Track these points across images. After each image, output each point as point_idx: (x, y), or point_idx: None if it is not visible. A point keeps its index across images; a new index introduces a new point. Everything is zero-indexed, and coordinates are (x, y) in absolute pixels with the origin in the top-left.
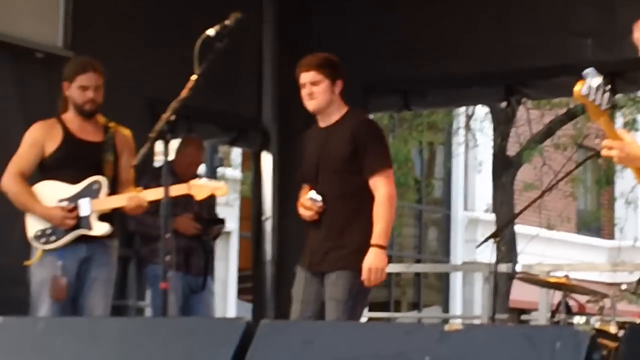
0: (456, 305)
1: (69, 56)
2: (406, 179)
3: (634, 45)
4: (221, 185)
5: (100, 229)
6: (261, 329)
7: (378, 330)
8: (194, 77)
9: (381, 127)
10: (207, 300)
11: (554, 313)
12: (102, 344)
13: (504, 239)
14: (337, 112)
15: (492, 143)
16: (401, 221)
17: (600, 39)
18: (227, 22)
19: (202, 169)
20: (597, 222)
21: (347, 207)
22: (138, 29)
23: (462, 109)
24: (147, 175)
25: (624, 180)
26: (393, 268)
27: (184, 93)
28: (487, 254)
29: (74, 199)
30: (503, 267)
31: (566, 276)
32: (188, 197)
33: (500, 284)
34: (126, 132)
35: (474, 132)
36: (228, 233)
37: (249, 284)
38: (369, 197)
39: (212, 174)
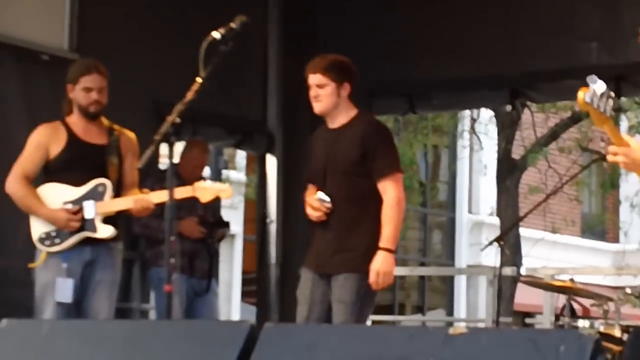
0: (460, 309)
1: (74, 58)
2: (411, 182)
3: None
4: (226, 188)
5: (105, 231)
6: (265, 332)
7: (382, 334)
8: (199, 80)
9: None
10: (211, 303)
11: (558, 316)
12: (106, 346)
13: (509, 242)
14: (345, 115)
15: (496, 146)
16: (406, 224)
17: (605, 43)
18: (232, 24)
19: (206, 171)
20: (601, 226)
21: (355, 209)
22: (143, 32)
23: (467, 112)
24: (151, 177)
25: (628, 184)
26: (397, 271)
27: (189, 96)
28: (492, 257)
29: (79, 201)
30: (507, 271)
31: (571, 279)
32: (193, 200)
33: (504, 287)
34: (130, 134)
35: (478, 136)
36: (232, 236)
37: (253, 286)
38: (377, 200)
39: (216, 177)
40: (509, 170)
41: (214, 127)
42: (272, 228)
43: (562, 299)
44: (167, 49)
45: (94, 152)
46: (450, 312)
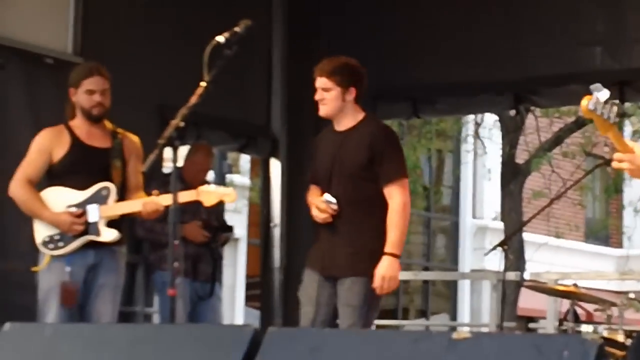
0: (464, 313)
1: (78, 62)
2: (415, 187)
3: None
4: (230, 192)
5: (109, 235)
6: (269, 336)
7: (386, 338)
8: (203, 84)
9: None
10: (214, 307)
11: (561, 321)
12: (109, 350)
13: (512, 247)
14: (351, 118)
15: (500, 151)
16: (409, 228)
17: (609, 48)
18: (236, 29)
19: (210, 175)
20: (605, 231)
21: (361, 213)
22: (147, 35)
23: (471, 117)
24: (155, 181)
25: (632, 189)
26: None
27: (193, 100)
28: (496, 261)
29: (82, 205)
30: (511, 275)
31: (574, 284)
32: (196, 204)
33: (508, 292)
34: (134, 138)
35: (482, 140)
36: (236, 240)
37: (257, 290)
38: (381, 204)
39: (220, 181)
40: (512, 175)
41: (218, 131)
42: (276, 232)
43: (565, 304)
44: (171, 52)
45: (97, 156)
46: (453, 316)
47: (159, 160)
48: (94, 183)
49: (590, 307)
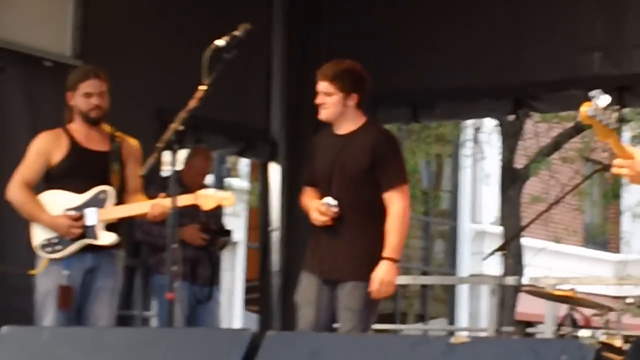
0: (462, 318)
1: (77, 65)
2: (414, 191)
3: None
4: (228, 196)
5: (107, 238)
6: (267, 340)
7: (384, 342)
8: (202, 88)
9: None
10: (213, 310)
11: (559, 326)
12: (107, 354)
13: (511, 252)
14: (352, 123)
15: (499, 156)
16: (408, 233)
17: (608, 53)
18: (236, 32)
19: (209, 179)
20: (603, 236)
21: (362, 217)
22: (147, 39)
23: (470, 122)
24: (154, 185)
25: (630, 194)
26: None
27: (193, 103)
28: (494, 266)
29: (81, 208)
30: (510, 280)
31: (572, 289)
32: (195, 208)
33: (506, 297)
34: (133, 141)
35: (481, 145)
36: (235, 243)
37: (256, 294)
38: (381, 208)
39: (219, 185)
40: (511, 180)
41: (217, 135)
42: (275, 236)
43: (563, 309)
44: (170, 56)
45: (95, 159)
46: (452, 321)
47: (158, 163)
48: (92, 186)
49: (588, 312)
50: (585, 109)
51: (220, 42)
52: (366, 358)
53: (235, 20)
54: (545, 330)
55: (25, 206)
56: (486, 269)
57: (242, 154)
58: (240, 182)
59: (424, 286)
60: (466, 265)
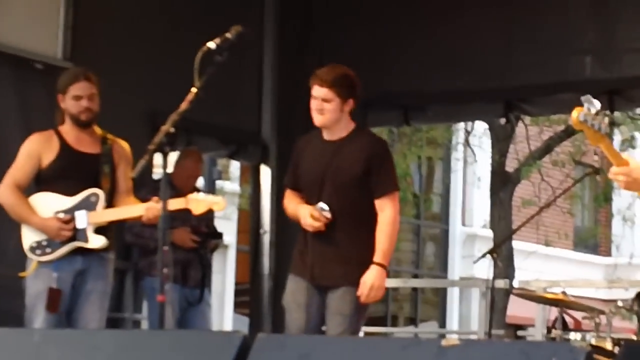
0: (453, 321)
1: (68, 67)
2: (405, 194)
3: None
4: (219, 200)
5: (97, 242)
6: (258, 343)
7: (375, 345)
8: (194, 90)
9: None
10: (204, 313)
11: (550, 329)
12: (98, 356)
13: (502, 255)
14: (344, 129)
15: (490, 159)
16: (399, 236)
17: (599, 57)
18: (227, 35)
19: (200, 182)
20: (594, 239)
21: (352, 222)
22: (138, 41)
23: (461, 125)
24: (145, 187)
25: (621, 198)
26: (390, 283)
27: (184, 106)
28: (485, 269)
29: (71, 211)
30: (500, 283)
31: (563, 292)
32: (186, 210)
33: (497, 300)
34: (124, 144)
35: (472, 148)
36: (226, 246)
37: (246, 297)
38: (371, 214)
39: (210, 187)
40: (502, 183)
41: (208, 138)
42: (266, 239)
43: (554, 312)
44: (161, 58)
45: (86, 162)
46: (442, 324)
47: (149, 166)
48: (82, 189)
49: (578, 315)
50: (576, 115)
51: (211, 45)
52: None
53: (227, 22)
54: (536, 333)
55: (16, 208)
56: (477, 272)
57: (233, 156)
58: (232, 184)
59: (414, 289)
60: (457, 268)
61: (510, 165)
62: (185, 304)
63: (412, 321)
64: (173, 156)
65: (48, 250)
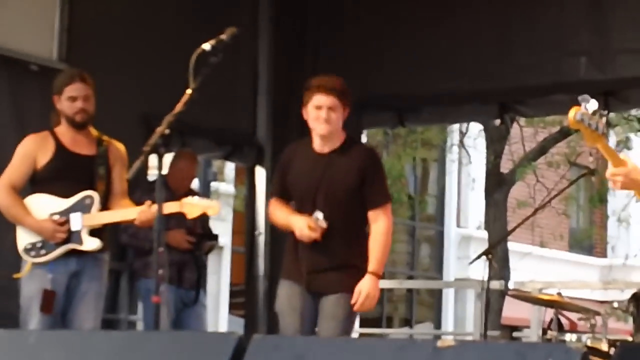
0: (448, 322)
1: (63, 69)
2: (399, 195)
3: None
4: (213, 204)
5: (91, 244)
6: (253, 344)
7: (370, 346)
8: (188, 92)
9: (375, 144)
10: (199, 314)
11: (545, 330)
12: (93, 358)
13: (497, 256)
14: (337, 138)
15: (485, 160)
16: (394, 237)
17: (594, 58)
18: (222, 36)
19: (195, 183)
20: (589, 240)
21: (346, 232)
22: (133, 43)
23: (456, 126)
24: (140, 189)
25: (616, 199)
26: (385, 284)
27: (179, 107)
28: (480, 270)
29: (66, 213)
30: (495, 284)
31: (558, 293)
32: (181, 212)
33: (492, 301)
34: (119, 145)
35: (467, 150)
36: (221, 247)
37: (241, 298)
38: (363, 224)
39: (205, 189)
40: (497, 185)
41: (203, 139)
42: (261, 240)
43: (549, 313)
44: (156, 60)
45: (81, 163)
46: (438, 325)
47: (144, 167)
48: (78, 190)
49: (574, 316)
50: (572, 114)
51: (206, 46)
52: None
53: (221, 24)
54: (531, 335)
55: (11, 210)
56: (472, 273)
57: (228, 158)
58: (227, 186)
59: (409, 290)
60: (452, 269)
61: (505, 167)
62: (180, 305)
63: (407, 322)
64: (168, 158)
65: (42, 251)
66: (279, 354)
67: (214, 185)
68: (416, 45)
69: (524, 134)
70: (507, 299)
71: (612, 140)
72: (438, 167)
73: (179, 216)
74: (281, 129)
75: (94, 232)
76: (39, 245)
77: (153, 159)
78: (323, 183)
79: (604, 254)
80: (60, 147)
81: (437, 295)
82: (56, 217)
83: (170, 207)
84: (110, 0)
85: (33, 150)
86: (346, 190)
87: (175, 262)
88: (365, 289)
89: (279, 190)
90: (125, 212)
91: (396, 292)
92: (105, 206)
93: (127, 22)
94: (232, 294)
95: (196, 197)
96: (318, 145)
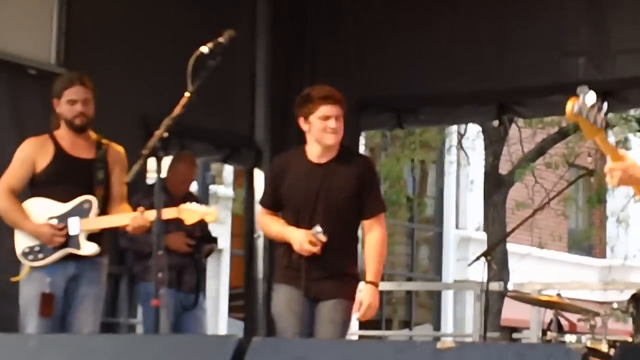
0: (447, 324)
1: (61, 73)
2: (398, 197)
3: None
4: (211, 211)
5: (89, 249)
6: (253, 346)
7: (370, 348)
8: (187, 94)
9: (373, 146)
10: (198, 317)
11: (545, 331)
12: None
13: (496, 258)
14: (335, 148)
15: (484, 162)
16: (393, 239)
17: (592, 58)
18: (220, 39)
19: (194, 186)
20: (588, 241)
21: (344, 241)
22: (131, 46)
23: (454, 128)
24: (139, 192)
25: (615, 199)
26: (384, 286)
27: (177, 110)
28: (479, 272)
29: (64, 217)
30: (495, 286)
31: (558, 294)
32: None
33: (491, 303)
34: (119, 148)
35: (466, 151)
36: (220, 251)
37: (241, 301)
38: (357, 233)
39: (204, 192)
40: (496, 186)
41: (201, 142)
42: (260, 243)
43: (549, 314)
44: (155, 63)
45: (80, 167)
46: (437, 327)
47: (143, 170)
48: (76, 194)
49: (573, 317)
50: (570, 106)
51: (204, 49)
52: None
53: (219, 27)
54: (531, 336)
55: (9, 214)
56: (471, 274)
57: (226, 160)
58: (225, 189)
59: (409, 292)
60: (451, 271)
61: (504, 168)
62: (180, 309)
63: (407, 324)
64: (166, 161)
65: (40, 255)
66: (279, 356)
67: (212, 188)
68: (415, 46)
69: (523, 135)
70: (507, 301)
71: (611, 141)
72: (436, 168)
73: (178, 219)
74: (280, 131)
75: (92, 237)
76: (36, 249)
77: (152, 162)
78: (322, 192)
79: (603, 255)
80: (59, 151)
81: (436, 297)
82: (54, 221)
83: (168, 213)
84: (108, 3)
85: (32, 154)
86: (345, 199)
87: (174, 265)
88: (367, 299)
89: (270, 201)
90: (121, 217)
91: (395, 295)
92: (104, 210)
93: (124, 26)
94: (232, 297)
95: (194, 203)
96: (316, 155)
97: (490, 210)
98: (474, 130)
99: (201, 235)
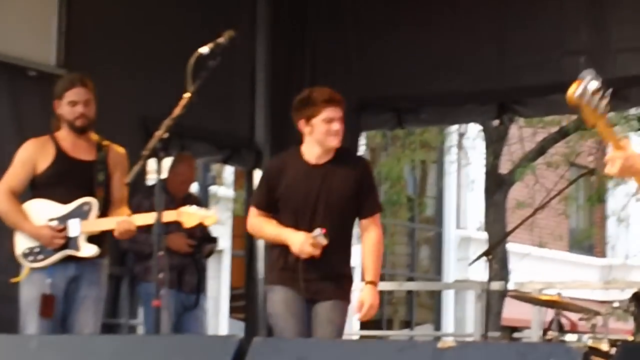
0: (448, 324)
1: (61, 74)
2: (399, 197)
3: None
4: (210, 214)
5: (88, 250)
6: (254, 346)
7: (371, 348)
8: (187, 95)
9: (373, 146)
10: (199, 318)
11: (546, 331)
12: None
13: (496, 257)
14: (331, 150)
15: (484, 161)
16: (394, 239)
17: (593, 57)
18: (220, 40)
19: (194, 187)
20: (589, 240)
21: (342, 242)
22: (131, 47)
23: (455, 127)
24: (139, 193)
25: (615, 199)
26: (385, 286)
27: (177, 111)
28: (480, 272)
29: (64, 219)
30: (495, 285)
31: (558, 294)
32: None
33: (492, 302)
34: (120, 149)
35: (466, 151)
36: (220, 251)
37: (241, 302)
38: (351, 233)
39: (204, 193)
40: (496, 185)
41: (202, 143)
42: (260, 243)
43: (550, 314)
44: (155, 64)
45: (81, 168)
46: (438, 327)
47: (143, 171)
48: (77, 196)
49: (574, 316)
50: (572, 90)
51: (204, 50)
52: None
53: (219, 27)
54: (532, 335)
55: (9, 215)
56: (472, 274)
57: (227, 161)
58: (225, 190)
59: (409, 292)
60: (452, 271)
61: (504, 167)
62: (181, 309)
63: (408, 324)
64: (167, 162)
65: (40, 257)
66: (280, 356)
67: (212, 189)
68: (415, 46)
69: (523, 135)
70: (507, 300)
71: None
72: (437, 168)
73: None
74: (280, 132)
75: (92, 238)
76: (36, 250)
77: (152, 163)
78: (323, 193)
79: (603, 254)
80: (60, 153)
81: (437, 297)
82: (54, 223)
83: (167, 216)
84: (108, 4)
85: (33, 155)
86: (345, 200)
87: (175, 265)
88: (368, 300)
89: (264, 203)
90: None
91: (396, 294)
92: (104, 212)
93: (124, 26)
94: (232, 298)
95: (194, 206)
96: (315, 156)
97: (490, 210)
98: (474, 130)
99: (202, 236)
